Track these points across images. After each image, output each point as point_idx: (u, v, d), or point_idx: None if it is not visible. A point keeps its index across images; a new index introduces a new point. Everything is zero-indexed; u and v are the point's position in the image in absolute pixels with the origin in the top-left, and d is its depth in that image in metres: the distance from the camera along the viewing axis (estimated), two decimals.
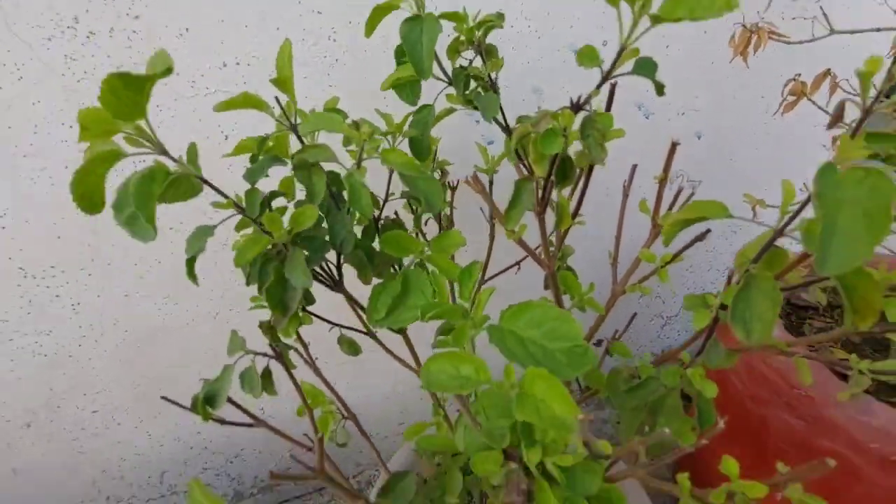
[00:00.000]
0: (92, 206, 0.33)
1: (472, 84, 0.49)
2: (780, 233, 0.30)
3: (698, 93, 0.91)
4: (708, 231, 0.40)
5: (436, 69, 0.48)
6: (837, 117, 0.27)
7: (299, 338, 0.51)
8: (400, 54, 0.51)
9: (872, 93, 0.24)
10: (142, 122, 0.32)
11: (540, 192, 0.37)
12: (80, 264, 0.71)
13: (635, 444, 0.26)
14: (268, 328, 0.47)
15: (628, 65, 0.30)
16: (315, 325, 0.57)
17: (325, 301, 0.55)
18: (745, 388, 0.72)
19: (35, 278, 0.70)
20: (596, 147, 0.31)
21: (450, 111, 0.52)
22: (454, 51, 0.48)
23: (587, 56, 0.29)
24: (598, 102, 0.37)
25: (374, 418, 1.09)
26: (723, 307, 0.34)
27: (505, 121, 0.48)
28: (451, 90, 0.50)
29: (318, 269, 0.47)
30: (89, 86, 0.60)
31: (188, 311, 0.80)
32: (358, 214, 0.42)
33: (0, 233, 0.66)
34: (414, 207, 0.58)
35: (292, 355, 0.48)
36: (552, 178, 0.36)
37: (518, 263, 0.63)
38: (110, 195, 0.36)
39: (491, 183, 0.61)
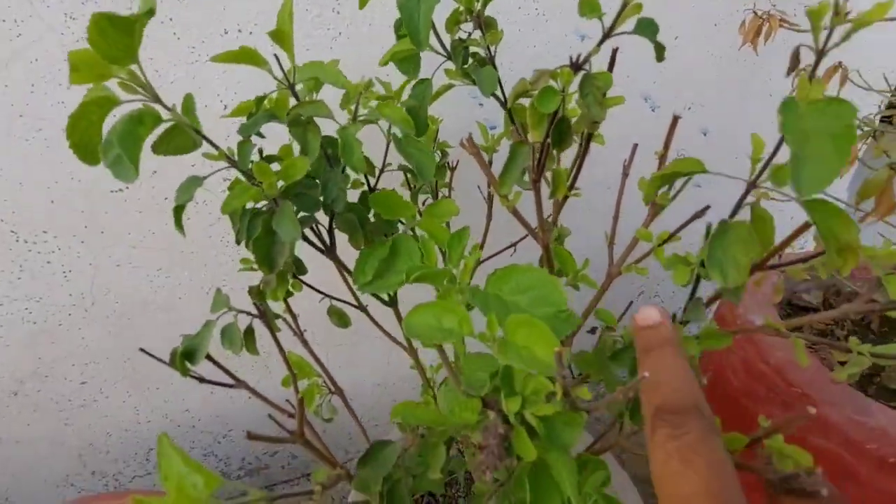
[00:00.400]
0: (88, 156, 0.32)
1: (471, 60, 0.48)
2: (752, 184, 0.31)
3: (705, 87, 0.90)
4: (707, 207, 0.39)
5: (435, 43, 0.47)
6: (795, 63, 0.27)
7: (288, 308, 0.51)
8: (399, 27, 0.50)
9: (823, 34, 0.25)
10: (134, 68, 0.31)
11: (536, 157, 0.36)
12: (73, 230, 0.70)
13: (618, 393, 0.25)
14: (256, 293, 0.46)
15: (630, 23, 0.29)
16: (309, 308, 0.56)
17: (318, 277, 0.54)
18: (740, 385, 0.71)
19: (27, 243, 0.69)
20: (595, 105, 0.30)
21: (448, 87, 0.51)
22: (454, 22, 0.47)
23: (588, 6, 0.28)
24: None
25: (365, 406, 1.08)
26: (703, 265, 0.34)
27: (504, 96, 0.47)
28: (450, 65, 0.49)
29: (309, 234, 0.46)
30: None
31: (180, 285, 0.79)
32: (352, 179, 0.42)
33: None
34: (412, 185, 0.57)
35: (282, 328, 0.47)
36: (548, 143, 0.35)
37: (514, 245, 0.62)
38: None
39: (490, 163, 0.60)
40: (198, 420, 0.95)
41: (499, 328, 0.29)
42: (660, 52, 0.31)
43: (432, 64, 0.49)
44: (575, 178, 0.39)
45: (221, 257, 0.78)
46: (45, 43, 0.59)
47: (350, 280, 0.53)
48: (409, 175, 0.54)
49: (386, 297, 0.50)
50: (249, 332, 0.40)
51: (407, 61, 0.48)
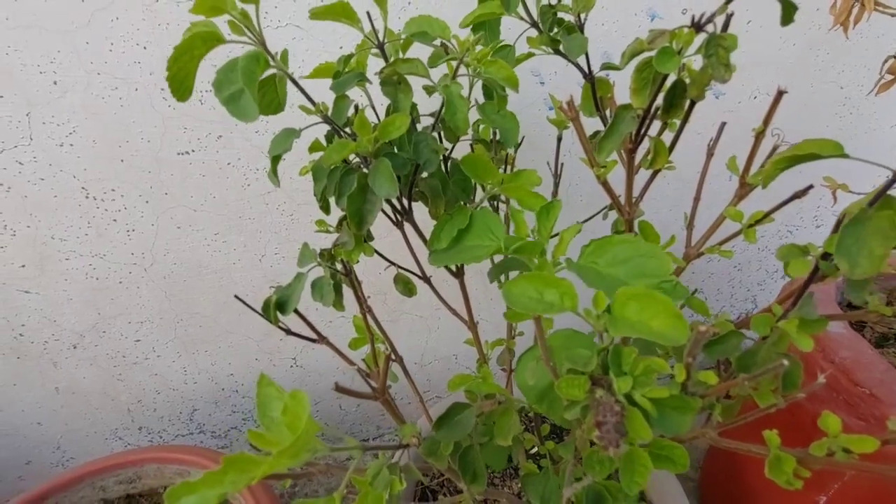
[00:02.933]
0: (181, 91, 0.33)
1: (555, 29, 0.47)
2: None
3: (775, 76, 0.86)
4: (810, 187, 0.38)
5: (520, 10, 0.46)
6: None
7: (354, 276, 0.51)
8: None
9: None
10: (251, 8, 0.31)
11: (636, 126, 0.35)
12: (139, 190, 0.72)
13: (741, 380, 0.24)
14: (328, 256, 0.46)
15: None
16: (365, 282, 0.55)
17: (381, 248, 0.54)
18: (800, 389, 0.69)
19: (95, 200, 0.71)
20: (719, 66, 0.29)
21: (529, 55, 0.50)
22: None
23: None
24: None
25: (400, 385, 1.09)
26: (825, 257, 0.32)
27: (588, 66, 0.46)
28: (532, 33, 0.48)
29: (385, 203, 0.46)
30: (167, 6, 0.60)
31: (235, 251, 0.80)
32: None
33: (68, 150, 0.67)
34: (492, 152, 0.56)
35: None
36: (651, 111, 0.34)
37: (590, 218, 0.60)
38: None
39: (559, 139, 0.59)
40: (241, 385, 0.98)
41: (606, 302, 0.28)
42: (787, 12, 0.30)
43: (510, 34, 0.48)
44: (674, 141, 0.38)
45: (276, 225, 0.79)
46: (126, 2, 0.60)
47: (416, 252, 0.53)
48: (481, 145, 0.53)
49: (453, 269, 0.50)
50: (338, 288, 0.40)
51: (487, 26, 0.47)
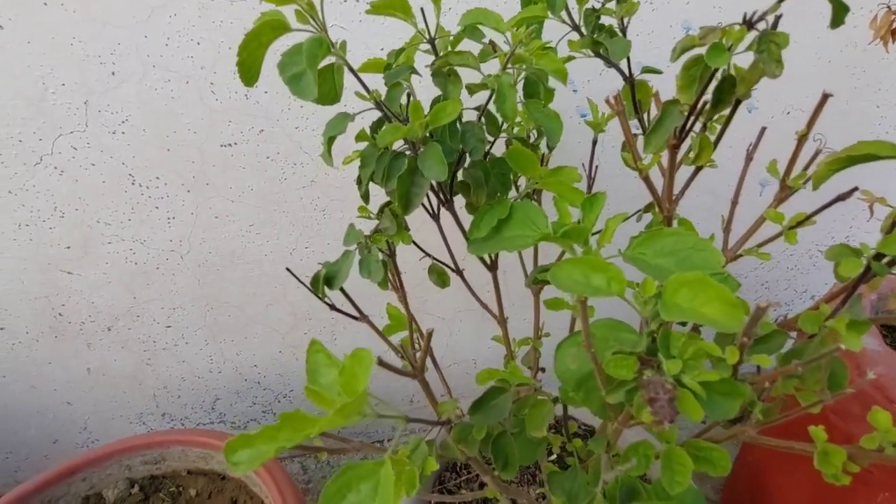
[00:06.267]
0: (248, 76, 0.35)
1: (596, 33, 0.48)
2: None
3: (809, 91, 0.86)
4: (854, 189, 0.38)
5: (563, 14, 0.47)
6: None
7: (394, 262, 0.52)
8: None
9: None
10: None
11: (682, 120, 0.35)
12: (182, 179, 0.75)
13: (794, 366, 0.24)
14: (366, 244, 0.48)
15: None
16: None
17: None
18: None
19: (141, 186, 0.75)
20: (771, 62, 0.30)
21: (568, 59, 0.52)
22: None
23: None
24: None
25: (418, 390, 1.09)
26: (877, 257, 0.32)
27: (630, 69, 0.47)
28: (573, 36, 0.49)
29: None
30: (221, 5, 0.64)
31: (268, 243, 0.83)
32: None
33: (120, 138, 0.71)
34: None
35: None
36: (697, 107, 0.34)
37: (633, 215, 0.60)
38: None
39: (595, 142, 0.60)
40: (263, 377, 0.99)
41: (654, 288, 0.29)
42: (839, 13, 0.30)
43: (551, 37, 0.50)
44: (719, 137, 0.38)
45: (308, 220, 0.82)
46: (184, 0, 0.63)
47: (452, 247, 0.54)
48: (520, 141, 0.54)
49: (488, 262, 0.51)
50: (384, 265, 0.41)
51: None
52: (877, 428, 0.28)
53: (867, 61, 0.85)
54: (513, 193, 0.49)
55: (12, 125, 0.67)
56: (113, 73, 0.66)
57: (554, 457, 0.82)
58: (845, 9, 0.31)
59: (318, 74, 0.38)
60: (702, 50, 0.33)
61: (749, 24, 0.30)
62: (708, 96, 0.34)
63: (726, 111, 0.35)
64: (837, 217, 1.02)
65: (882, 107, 0.90)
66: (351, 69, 0.37)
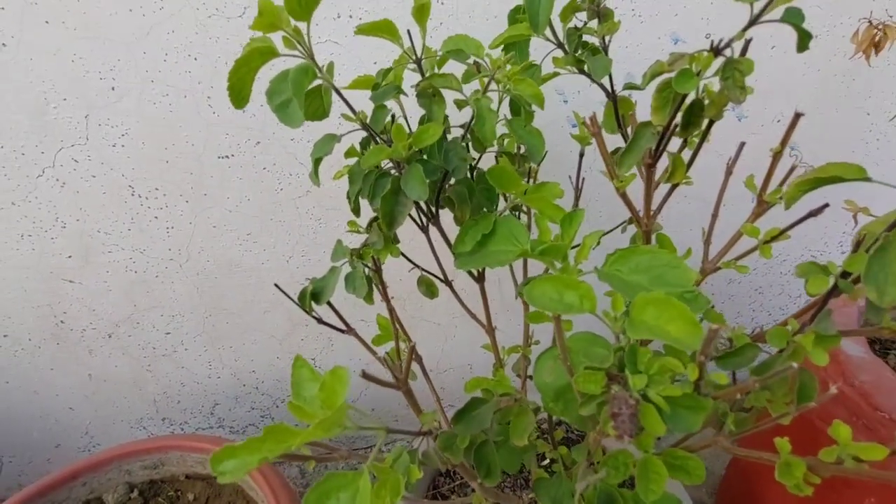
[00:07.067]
0: (238, 99, 0.36)
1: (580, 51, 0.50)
2: None
3: (797, 101, 0.87)
4: (825, 206, 0.39)
5: (547, 32, 0.49)
6: None
7: (380, 276, 0.53)
8: (514, 13, 0.52)
9: None
10: (302, 25, 0.35)
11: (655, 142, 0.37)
12: (181, 190, 0.76)
13: (752, 382, 0.26)
14: (358, 256, 0.49)
15: (776, 12, 0.30)
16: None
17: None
18: (816, 407, 0.68)
19: (140, 197, 0.76)
20: (735, 89, 0.31)
21: (554, 74, 0.53)
22: (570, 10, 0.49)
23: None
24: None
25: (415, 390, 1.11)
26: (843, 275, 0.33)
27: (612, 85, 0.49)
28: (558, 53, 0.51)
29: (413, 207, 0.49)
30: (218, 22, 0.65)
31: (265, 251, 0.84)
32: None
33: (119, 151, 0.72)
34: (516, 165, 0.59)
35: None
36: (670, 128, 0.36)
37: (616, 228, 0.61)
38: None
39: (581, 155, 0.61)
40: (261, 382, 1.01)
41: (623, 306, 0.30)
42: (803, 40, 0.32)
43: (537, 54, 0.51)
44: (692, 158, 0.40)
45: (305, 229, 0.83)
46: (182, 17, 0.65)
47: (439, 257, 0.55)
48: (505, 157, 0.56)
49: (475, 274, 0.52)
50: (370, 280, 0.43)
51: (517, 47, 0.50)
52: (837, 441, 0.29)
53: (856, 70, 0.86)
54: (503, 204, 0.51)
55: (15, 139, 0.69)
56: (113, 88, 0.68)
57: (547, 461, 0.83)
58: (808, 36, 0.32)
59: (306, 95, 0.39)
60: (673, 74, 0.34)
61: (716, 51, 0.31)
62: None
63: (697, 132, 0.36)
64: (830, 224, 1.03)
65: (872, 114, 0.91)
66: (338, 92, 0.38)
